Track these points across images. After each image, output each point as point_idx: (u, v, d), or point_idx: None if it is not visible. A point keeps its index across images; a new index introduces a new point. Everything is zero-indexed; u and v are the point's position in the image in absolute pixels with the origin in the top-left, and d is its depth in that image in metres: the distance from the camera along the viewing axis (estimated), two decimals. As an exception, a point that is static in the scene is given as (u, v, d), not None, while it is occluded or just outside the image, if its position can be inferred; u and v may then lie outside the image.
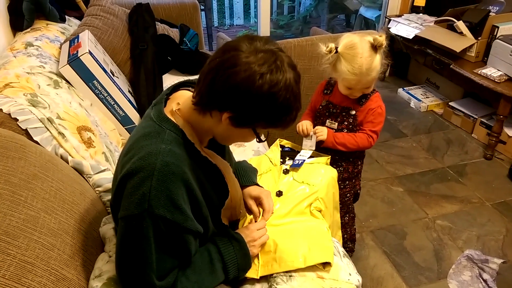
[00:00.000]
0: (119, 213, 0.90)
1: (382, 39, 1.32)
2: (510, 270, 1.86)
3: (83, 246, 1.06)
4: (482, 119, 2.76)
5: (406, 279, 1.83)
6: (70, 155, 1.28)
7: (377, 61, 1.36)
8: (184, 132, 0.93)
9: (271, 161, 1.50)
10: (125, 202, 0.88)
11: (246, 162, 1.36)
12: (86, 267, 1.03)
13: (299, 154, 1.50)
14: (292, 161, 1.49)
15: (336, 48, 1.35)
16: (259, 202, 1.21)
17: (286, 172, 1.41)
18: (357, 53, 1.33)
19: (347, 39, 1.36)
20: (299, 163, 1.43)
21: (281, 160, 1.51)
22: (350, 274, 1.12)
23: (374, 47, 1.34)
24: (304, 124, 1.55)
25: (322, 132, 1.50)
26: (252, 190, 1.23)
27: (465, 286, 1.79)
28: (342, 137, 1.50)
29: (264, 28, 3.24)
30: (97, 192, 1.29)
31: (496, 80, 2.44)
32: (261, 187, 1.26)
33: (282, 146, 1.59)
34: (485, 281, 1.79)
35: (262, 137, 0.96)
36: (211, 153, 1.01)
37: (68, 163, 1.27)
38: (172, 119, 0.94)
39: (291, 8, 4.94)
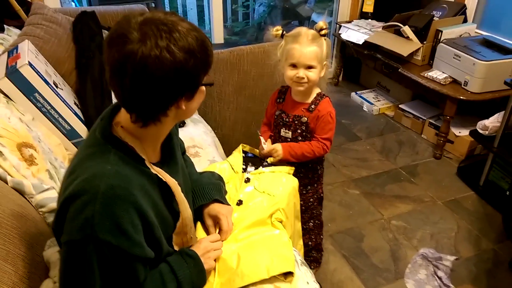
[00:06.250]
0: (61, 237, 0.84)
1: (322, 23, 1.40)
2: (462, 266, 1.93)
3: (25, 273, 0.98)
4: (430, 120, 2.86)
5: (365, 281, 1.86)
6: (9, 174, 1.19)
7: (322, 41, 1.41)
8: (134, 149, 0.89)
9: (232, 168, 1.47)
10: (68, 226, 0.82)
11: (208, 175, 1.30)
12: (28, 296, 0.96)
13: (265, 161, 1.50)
14: (253, 168, 1.47)
15: (283, 31, 1.44)
16: (217, 221, 1.18)
17: (247, 181, 1.39)
18: (301, 32, 1.41)
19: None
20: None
21: (243, 166, 1.48)
22: (308, 283, 1.11)
23: (318, 31, 1.41)
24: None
25: (278, 152, 1.50)
26: (211, 209, 1.19)
27: (421, 284, 1.84)
28: (299, 148, 1.50)
29: (218, 35, 3.22)
30: (40, 213, 1.21)
31: (441, 83, 2.54)
32: (222, 202, 1.22)
33: (245, 152, 1.56)
34: (440, 278, 1.84)
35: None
36: (160, 171, 0.97)
37: (7, 183, 1.18)
38: (119, 135, 0.89)
39: (246, 15, 4.94)
